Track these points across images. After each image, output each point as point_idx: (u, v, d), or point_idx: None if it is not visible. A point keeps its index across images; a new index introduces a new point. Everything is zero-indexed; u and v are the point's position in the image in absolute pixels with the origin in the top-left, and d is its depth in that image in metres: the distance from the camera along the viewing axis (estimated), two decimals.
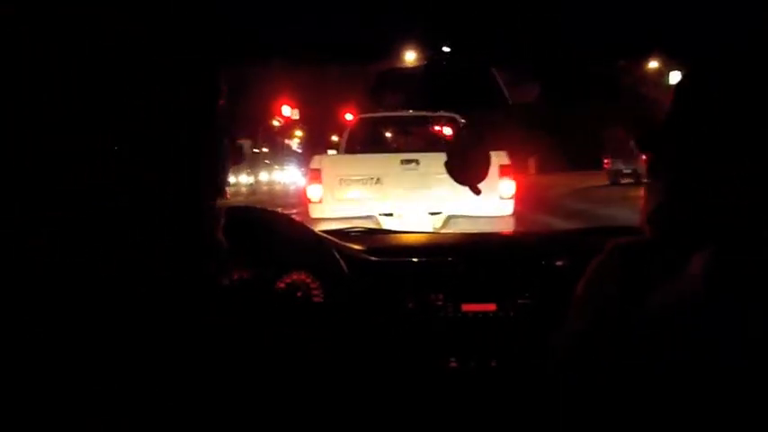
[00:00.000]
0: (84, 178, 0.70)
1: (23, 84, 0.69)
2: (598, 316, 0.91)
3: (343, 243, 1.85)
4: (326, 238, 1.81)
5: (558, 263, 1.79)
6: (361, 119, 7.05)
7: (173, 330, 0.75)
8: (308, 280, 1.64)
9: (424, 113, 7.23)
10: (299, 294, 1.63)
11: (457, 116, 6.85)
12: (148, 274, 0.74)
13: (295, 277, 1.64)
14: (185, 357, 0.75)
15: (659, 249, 0.88)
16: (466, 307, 1.75)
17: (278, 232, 1.68)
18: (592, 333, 0.91)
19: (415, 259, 1.85)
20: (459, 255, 1.85)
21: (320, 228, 2.04)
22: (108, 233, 0.71)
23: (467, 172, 1.48)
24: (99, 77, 0.70)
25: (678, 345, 0.79)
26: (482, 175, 1.48)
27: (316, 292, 1.64)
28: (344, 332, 1.63)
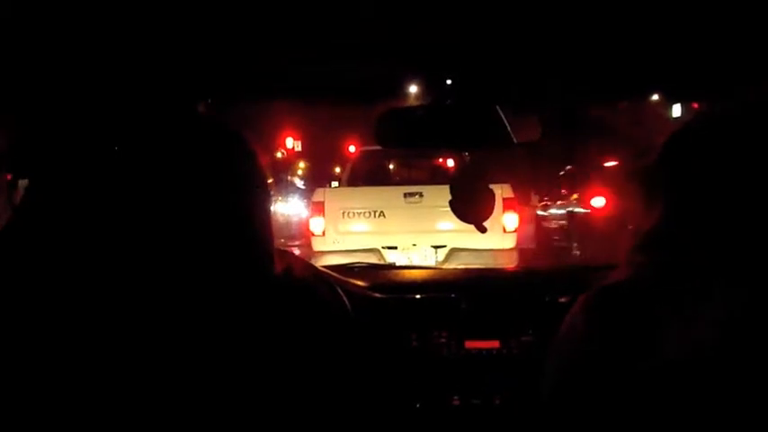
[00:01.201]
0: None
1: None
2: (575, 372, 0.88)
3: (346, 279, 1.84)
4: (329, 274, 1.80)
5: (562, 299, 1.78)
6: (363, 151, 7.07)
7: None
8: None
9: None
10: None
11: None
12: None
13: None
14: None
15: (655, 289, 0.84)
16: (469, 344, 1.73)
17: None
18: (569, 388, 0.88)
19: (418, 296, 1.85)
20: (462, 291, 1.85)
21: (323, 261, 2.04)
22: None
23: (471, 210, 1.48)
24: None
25: (703, 402, 0.74)
26: (487, 212, 1.49)
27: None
28: (349, 370, 1.61)
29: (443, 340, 1.74)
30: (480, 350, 1.73)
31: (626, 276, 0.90)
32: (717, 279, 0.78)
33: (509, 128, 1.66)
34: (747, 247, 0.78)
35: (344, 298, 1.66)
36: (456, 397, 1.69)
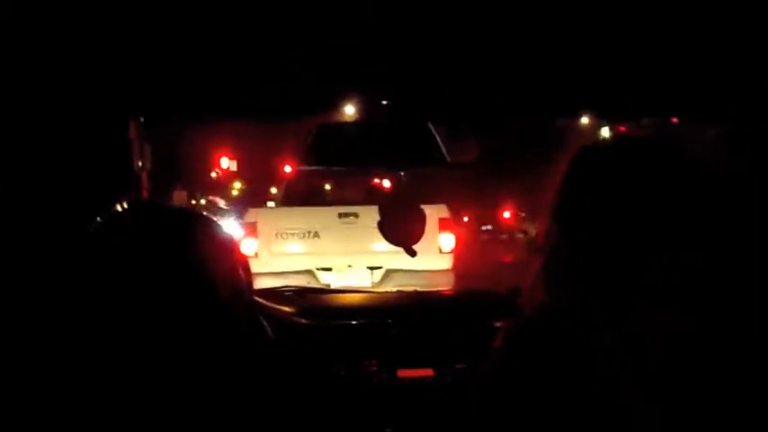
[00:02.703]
0: None
1: None
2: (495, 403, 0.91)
3: (272, 305, 1.75)
4: (253, 300, 1.70)
5: (498, 324, 1.73)
6: (298, 171, 6.97)
7: None
8: None
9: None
10: None
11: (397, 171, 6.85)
12: None
13: None
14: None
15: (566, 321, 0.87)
16: (402, 373, 1.66)
17: None
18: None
19: (348, 322, 1.77)
20: (395, 316, 1.78)
21: (255, 283, 1.94)
22: None
23: (401, 232, 1.42)
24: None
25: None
26: (417, 234, 1.43)
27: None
28: (270, 402, 1.52)
29: (374, 369, 1.66)
30: (413, 379, 1.66)
31: (536, 306, 0.93)
32: (633, 303, 0.82)
33: (443, 147, 1.61)
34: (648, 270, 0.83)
35: (265, 325, 1.56)
36: (388, 429, 1.62)
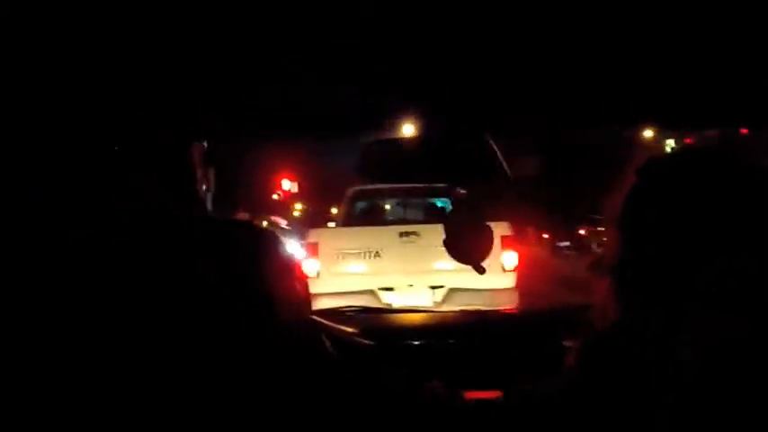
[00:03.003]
0: None
1: None
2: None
3: (335, 325, 1.73)
4: (316, 320, 1.69)
5: (566, 343, 1.67)
6: (357, 190, 7.00)
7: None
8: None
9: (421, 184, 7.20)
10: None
11: (457, 187, 6.79)
12: None
13: None
14: None
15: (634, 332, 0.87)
16: (468, 395, 1.61)
17: None
18: None
19: (412, 342, 1.73)
20: (459, 336, 1.74)
21: (317, 304, 1.94)
22: None
23: (467, 249, 1.38)
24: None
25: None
26: (485, 252, 1.39)
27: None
28: (335, 423, 1.50)
29: (439, 390, 1.62)
30: (480, 401, 1.61)
31: (605, 319, 0.92)
32: (686, 309, 0.82)
33: (503, 162, 1.57)
34: (709, 278, 0.82)
35: (328, 345, 1.55)
36: None
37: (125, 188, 0.80)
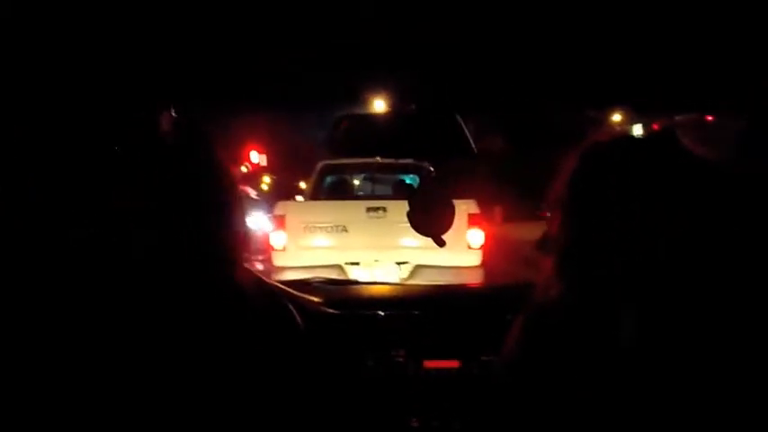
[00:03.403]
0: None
1: None
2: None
3: (301, 295, 1.76)
4: (282, 289, 1.72)
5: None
6: (326, 165, 6.98)
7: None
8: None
9: (390, 160, 7.19)
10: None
11: (425, 164, 6.81)
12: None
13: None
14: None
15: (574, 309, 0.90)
16: (428, 364, 1.66)
17: None
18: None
19: (376, 313, 1.77)
20: (422, 308, 1.78)
21: (284, 276, 1.96)
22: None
23: (430, 223, 1.42)
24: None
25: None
26: (446, 226, 1.43)
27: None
28: (300, 389, 1.53)
29: (401, 360, 1.66)
30: (440, 370, 1.66)
31: (548, 296, 0.96)
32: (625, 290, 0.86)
33: (471, 140, 1.60)
34: (647, 265, 0.85)
35: (295, 314, 1.57)
36: (414, 419, 1.62)
37: (125, 188, 0.80)
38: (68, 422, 0.75)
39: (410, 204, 1.42)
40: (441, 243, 1.42)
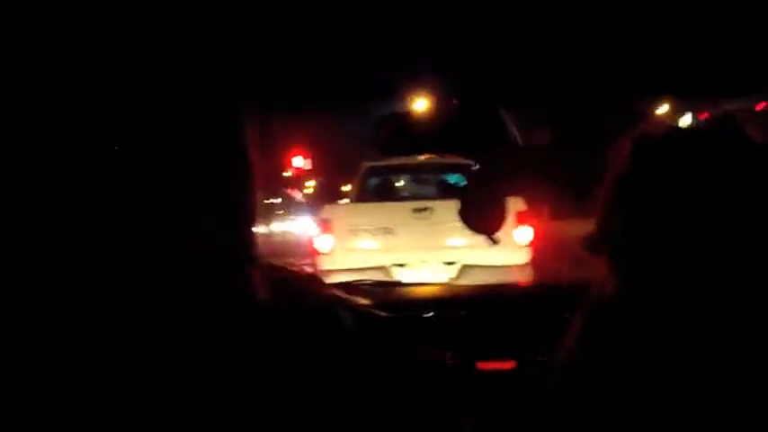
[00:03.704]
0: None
1: None
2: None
3: (350, 297, 1.75)
4: (332, 291, 1.71)
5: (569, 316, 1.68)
6: (371, 167, 6.98)
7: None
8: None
9: (435, 160, 7.12)
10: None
11: (470, 162, 6.73)
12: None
13: None
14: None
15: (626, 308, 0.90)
16: (481, 365, 1.63)
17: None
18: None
19: (426, 314, 1.75)
20: (473, 308, 1.75)
21: (330, 279, 1.95)
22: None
23: (483, 221, 1.39)
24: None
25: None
26: (498, 223, 1.40)
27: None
28: (351, 391, 1.52)
29: (453, 361, 1.63)
30: (493, 371, 1.62)
31: (604, 293, 0.94)
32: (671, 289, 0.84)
33: (516, 133, 1.57)
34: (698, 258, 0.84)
35: (343, 317, 1.56)
36: (468, 420, 1.59)
37: (125, 188, 0.80)
38: (68, 422, 0.75)
39: (462, 203, 1.39)
40: (495, 241, 1.39)
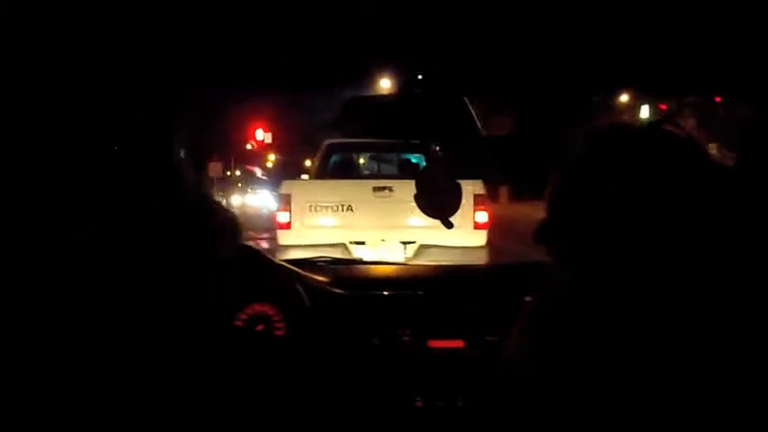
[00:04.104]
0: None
1: None
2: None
3: (307, 274, 1.78)
4: (289, 268, 1.73)
5: (529, 298, 1.73)
6: (332, 144, 6.96)
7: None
8: (271, 313, 1.56)
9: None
10: (259, 327, 1.55)
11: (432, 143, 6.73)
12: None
13: (257, 309, 1.57)
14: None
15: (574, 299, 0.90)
16: (433, 343, 1.68)
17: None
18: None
19: (381, 292, 1.79)
20: (427, 288, 1.79)
21: (289, 255, 1.97)
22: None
23: (437, 205, 1.43)
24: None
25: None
26: (453, 207, 1.44)
27: (278, 326, 1.57)
28: (307, 367, 1.56)
29: (406, 339, 1.68)
30: (444, 350, 1.68)
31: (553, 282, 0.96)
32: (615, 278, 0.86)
33: (478, 121, 1.61)
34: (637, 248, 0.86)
35: (302, 293, 1.59)
36: (418, 398, 1.64)
37: (125, 188, 0.81)
38: (69, 420, 0.76)
39: (417, 186, 1.42)
40: (449, 225, 1.43)
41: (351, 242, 5.75)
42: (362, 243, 5.75)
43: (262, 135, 20.13)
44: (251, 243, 1.85)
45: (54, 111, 0.75)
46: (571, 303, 0.92)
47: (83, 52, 0.78)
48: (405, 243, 5.76)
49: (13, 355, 0.74)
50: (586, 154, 0.97)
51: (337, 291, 1.77)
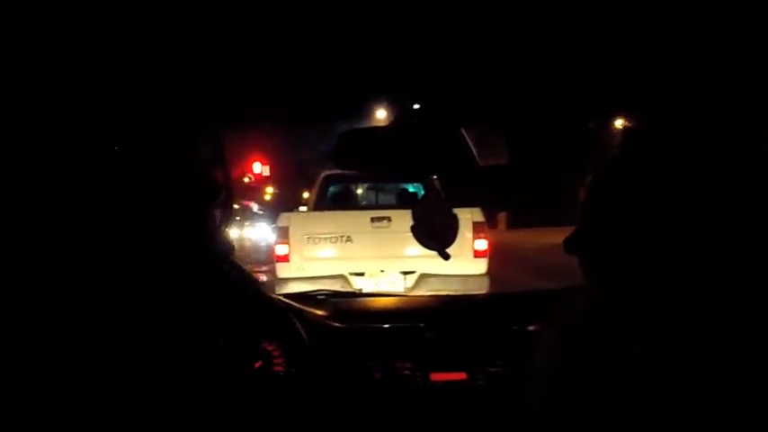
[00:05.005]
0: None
1: None
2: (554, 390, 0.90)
3: (306, 309, 1.76)
4: (288, 303, 1.72)
5: (531, 328, 1.72)
6: (329, 175, 6.97)
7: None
8: (270, 348, 1.55)
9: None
10: (258, 364, 1.54)
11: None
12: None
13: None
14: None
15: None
16: (435, 376, 1.66)
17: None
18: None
19: (381, 325, 1.77)
20: (428, 320, 1.78)
21: (287, 288, 1.96)
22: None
23: (434, 236, 1.42)
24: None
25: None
26: (450, 239, 1.43)
27: (277, 362, 1.55)
28: (307, 404, 1.54)
29: (407, 372, 1.66)
30: (446, 383, 1.65)
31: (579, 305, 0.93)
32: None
33: (474, 151, 1.61)
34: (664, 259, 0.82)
35: (300, 328, 1.58)
36: None
37: (125, 188, 0.81)
38: (68, 420, 0.76)
39: (414, 218, 1.42)
40: (446, 257, 1.42)
41: (350, 273, 5.72)
42: (362, 274, 5.73)
43: (259, 168, 20.18)
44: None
45: (54, 111, 0.76)
46: (599, 334, 0.88)
47: (82, 52, 0.79)
48: (405, 273, 5.74)
49: (13, 356, 0.74)
50: (624, 153, 0.95)
51: (337, 324, 1.75)
